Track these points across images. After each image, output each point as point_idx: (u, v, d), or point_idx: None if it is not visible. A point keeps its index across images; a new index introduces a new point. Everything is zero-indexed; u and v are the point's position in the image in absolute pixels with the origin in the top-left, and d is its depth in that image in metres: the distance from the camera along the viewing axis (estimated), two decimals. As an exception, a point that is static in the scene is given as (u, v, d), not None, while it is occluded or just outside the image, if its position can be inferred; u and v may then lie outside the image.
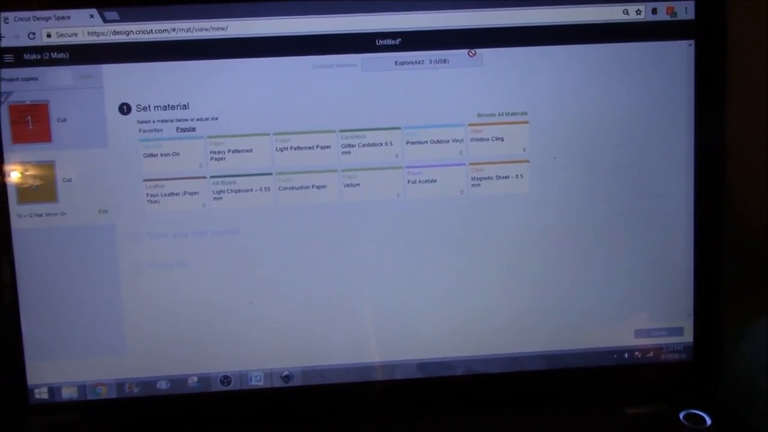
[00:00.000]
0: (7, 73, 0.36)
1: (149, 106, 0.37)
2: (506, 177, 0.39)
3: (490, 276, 0.39)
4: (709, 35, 0.39)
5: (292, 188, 0.38)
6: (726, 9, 0.39)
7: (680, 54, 0.39)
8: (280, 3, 0.37)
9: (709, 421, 0.38)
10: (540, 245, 0.39)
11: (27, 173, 0.37)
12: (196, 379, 0.39)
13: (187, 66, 0.37)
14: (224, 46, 0.37)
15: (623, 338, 0.40)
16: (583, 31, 0.38)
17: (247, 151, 0.38)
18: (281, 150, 0.38)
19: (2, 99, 0.37)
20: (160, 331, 0.38)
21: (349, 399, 0.40)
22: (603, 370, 0.40)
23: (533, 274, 0.39)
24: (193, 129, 0.37)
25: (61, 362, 0.38)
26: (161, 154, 0.37)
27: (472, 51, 0.38)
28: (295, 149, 0.38)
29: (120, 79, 0.37)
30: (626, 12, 0.38)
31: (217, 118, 0.37)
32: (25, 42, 0.37)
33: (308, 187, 0.38)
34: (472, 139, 0.38)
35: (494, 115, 0.38)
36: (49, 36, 0.37)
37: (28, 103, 0.37)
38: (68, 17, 0.37)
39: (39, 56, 0.37)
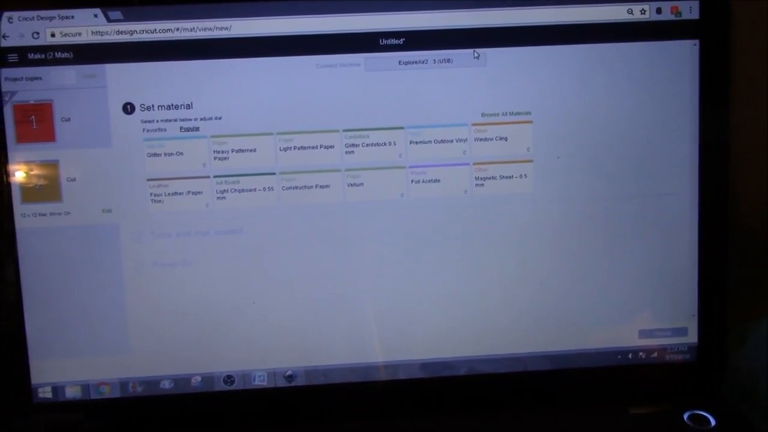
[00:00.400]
0: (12, 72, 0.37)
1: (153, 106, 0.37)
2: (510, 177, 0.39)
3: (493, 276, 0.39)
4: (713, 35, 0.38)
5: (296, 188, 0.38)
6: (730, 9, 0.39)
7: (685, 54, 0.38)
8: (283, 3, 0.37)
9: (713, 422, 0.38)
10: (543, 245, 0.39)
11: (31, 173, 0.37)
12: (199, 378, 0.39)
13: (191, 65, 0.37)
14: (228, 46, 0.37)
15: (627, 338, 0.40)
16: (587, 30, 0.38)
17: (251, 150, 0.38)
18: (284, 149, 0.38)
19: (6, 99, 0.37)
20: (164, 331, 0.38)
21: (352, 399, 0.40)
22: (607, 370, 0.40)
23: (537, 274, 0.39)
24: (197, 128, 0.37)
25: (65, 361, 0.38)
26: (165, 154, 0.37)
27: (476, 52, 0.38)
28: (298, 149, 0.38)
29: (124, 79, 0.37)
30: (630, 12, 0.38)
31: (220, 118, 0.37)
32: (29, 41, 0.37)
33: (311, 186, 0.38)
34: (476, 139, 0.38)
35: (498, 114, 0.38)
36: (53, 35, 0.37)
37: (32, 102, 0.37)
38: (72, 17, 0.37)
39: (43, 56, 0.37)
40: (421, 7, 0.37)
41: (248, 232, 0.38)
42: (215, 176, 0.38)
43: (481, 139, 0.38)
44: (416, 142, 0.38)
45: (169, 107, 0.37)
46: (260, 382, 0.39)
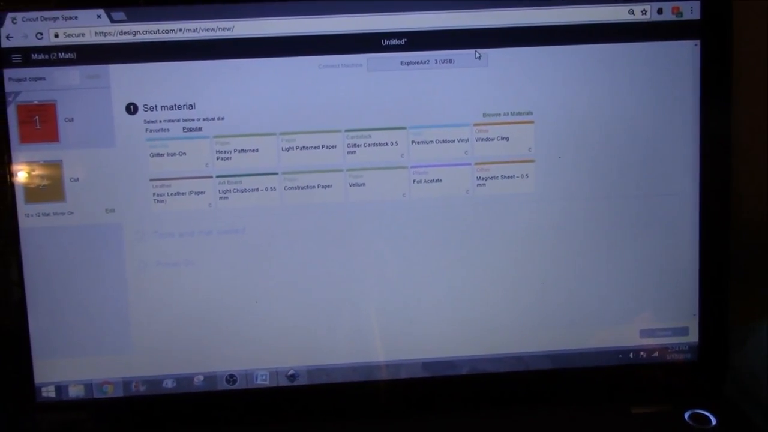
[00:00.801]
0: (15, 73, 0.37)
1: (156, 106, 0.37)
2: (511, 177, 0.39)
3: (495, 276, 0.39)
4: (714, 35, 0.38)
5: (298, 188, 0.38)
6: (732, 9, 0.39)
7: (686, 54, 0.39)
8: (286, 3, 0.37)
9: (714, 421, 0.38)
10: (545, 245, 0.39)
11: (34, 173, 0.37)
12: (201, 377, 0.39)
13: (194, 66, 0.37)
14: (230, 46, 0.37)
15: (628, 338, 0.40)
16: (588, 31, 0.38)
17: (253, 150, 0.38)
18: (287, 150, 0.38)
19: (10, 99, 0.37)
20: (167, 330, 0.38)
21: (354, 398, 0.40)
22: (608, 369, 0.40)
23: (538, 273, 0.40)
24: (200, 129, 0.38)
25: (68, 361, 0.38)
26: (168, 154, 0.38)
27: (478, 52, 0.38)
28: (300, 149, 0.38)
29: (127, 79, 0.37)
30: (632, 12, 0.38)
31: (223, 118, 0.38)
32: (33, 42, 0.37)
33: (314, 186, 0.38)
34: (478, 139, 0.38)
35: (500, 114, 0.38)
36: (56, 36, 0.37)
37: (35, 102, 0.37)
38: (76, 17, 0.37)
39: (47, 56, 0.37)
40: (423, 7, 0.38)
41: (251, 231, 0.38)
42: (218, 176, 0.38)
43: (482, 139, 0.39)
44: (418, 142, 0.38)
45: (172, 107, 0.37)
46: (262, 381, 0.39)
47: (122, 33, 0.37)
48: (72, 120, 0.37)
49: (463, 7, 0.38)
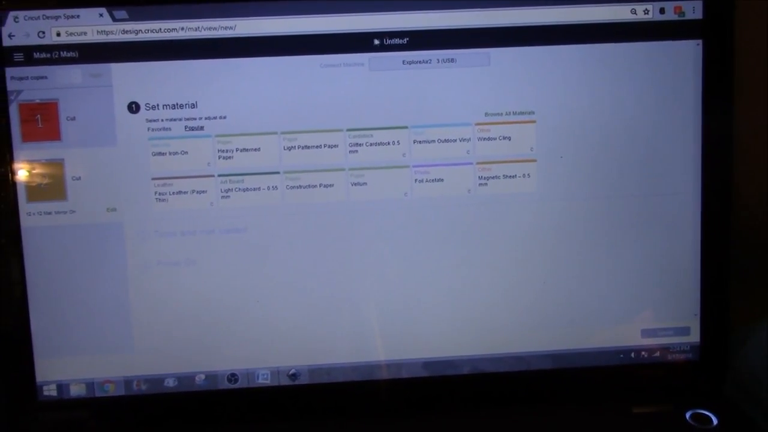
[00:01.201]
0: (17, 71, 0.37)
1: (158, 105, 0.37)
2: (513, 176, 0.39)
3: (496, 275, 0.39)
4: (717, 35, 0.38)
5: (300, 187, 0.38)
6: (734, 8, 0.39)
7: (688, 54, 0.38)
8: (287, 2, 0.37)
9: (715, 421, 0.38)
10: (547, 244, 0.39)
11: (36, 171, 0.37)
12: (203, 376, 0.39)
13: (196, 65, 0.37)
14: (232, 46, 0.37)
15: (630, 338, 0.40)
16: (590, 30, 0.38)
17: (255, 149, 0.38)
18: (289, 149, 0.38)
19: (12, 98, 0.37)
20: (168, 329, 0.38)
21: (355, 397, 0.40)
22: (609, 369, 0.40)
23: (540, 273, 0.40)
24: (202, 128, 0.38)
25: (70, 359, 0.38)
26: (169, 153, 0.38)
27: (480, 52, 0.38)
28: (302, 148, 0.38)
29: (129, 78, 0.37)
30: (634, 12, 0.38)
31: (225, 117, 0.38)
32: (35, 41, 0.37)
33: (315, 185, 0.38)
34: (480, 139, 0.38)
35: (501, 114, 0.38)
36: (58, 35, 0.37)
37: (37, 101, 0.37)
38: (78, 16, 0.37)
39: (49, 55, 0.37)
40: (425, 6, 0.38)
41: (252, 231, 0.38)
42: (220, 175, 0.38)
43: (484, 139, 0.39)
44: (420, 142, 0.38)
45: (173, 106, 0.37)
46: (264, 380, 0.39)
47: (124, 32, 0.37)
48: (74, 119, 0.37)
49: (465, 6, 0.38)
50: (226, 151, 0.38)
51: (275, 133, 0.38)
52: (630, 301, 0.40)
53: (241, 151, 0.38)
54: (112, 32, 0.37)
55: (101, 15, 0.37)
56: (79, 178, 0.37)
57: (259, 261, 0.38)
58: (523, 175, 0.39)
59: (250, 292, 0.39)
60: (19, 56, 0.37)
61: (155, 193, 0.38)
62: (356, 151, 0.38)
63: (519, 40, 0.38)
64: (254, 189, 0.38)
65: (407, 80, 0.38)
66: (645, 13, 0.38)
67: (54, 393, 0.39)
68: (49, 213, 0.37)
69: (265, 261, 0.38)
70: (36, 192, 0.37)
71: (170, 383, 0.39)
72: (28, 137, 0.37)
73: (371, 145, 0.38)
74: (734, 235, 0.40)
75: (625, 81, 0.38)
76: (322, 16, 0.37)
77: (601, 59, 0.38)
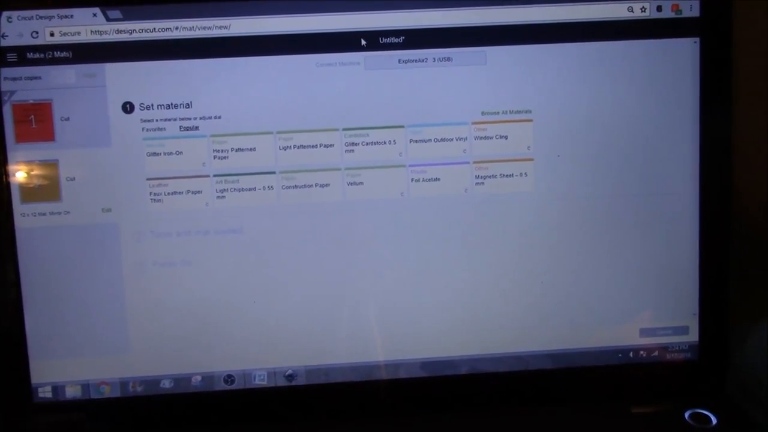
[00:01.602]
0: (11, 72, 0.36)
1: (152, 105, 0.37)
2: (510, 175, 0.39)
3: (494, 275, 0.39)
4: (714, 32, 0.38)
5: (296, 187, 0.38)
6: (731, 6, 0.39)
7: (685, 51, 0.38)
8: (282, 2, 0.37)
9: (714, 421, 0.38)
10: (544, 244, 0.39)
11: (30, 172, 0.37)
12: (199, 378, 0.39)
13: (190, 65, 0.37)
14: (227, 45, 0.37)
15: (628, 337, 0.40)
16: (587, 28, 0.38)
17: (251, 149, 0.38)
18: (284, 148, 0.38)
19: (6, 98, 0.37)
20: (164, 330, 0.38)
21: (352, 398, 0.40)
22: (608, 369, 0.40)
23: (537, 273, 0.39)
24: (196, 128, 0.37)
25: (65, 361, 0.38)
26: (164, 153, 0.37)
27: (476, 50, 0.38)
28: (298, 148, 0.38)
29: (123, 78, 0.37)
30: (631, 9, 0.38)
31: (220, 117, 0.37)
32: (28, 41, 0.37)
33: (311, 185, 0.38)
34: (476, 138, 0.38)
35: (498, 113, 0.38)
36: (52, 35, 0.37)
37: (31, 102, 0.37)
38: (71, 16, 0.37)
39: (42, 55, 0.37)
40: (421, 5, 0.37)
41: (248, 231, 0.38)
42: (215, 175, 0.38)
43: (481, 138, 0.38)
44: (416, 141, 0.38)
45: (168, 106, 0.37)
46: (260, 381, 0.39)
47: (118, 32, 0.37)
48: (68, 119, 0.37)
49: (462, 4, 0.37)
50: (222, 151, 0.38)
51: (271, 132, 0.38)
52: (628, 301, 0.40)
53: (237, 151, 0.38)
54: (105, 32, 0.37)
55: (95, 15, 0.37)
56: (73, 179, 0.37)
57: (255, 261, 0.38)
58: (520, 175, 0.39)
59: (247, 293, 0.38)
60: (12, 56, 0.37)
61: (150, 193, 0.37)
62: (352, 150, 0.38)
63: (515, 38, 0.38)
64: (250, 189, 0.38)
65: (403, 79, 0.38)
66: (642, 11, 0.38)
67: (49, 395, 0.38)
68: (44, 214, 0.37)
69: (261, 261, 0.38)
70: (30, 193, 0.37)
71: (166, 384, 0.39)
72: (22, 138, 0.37)
73: (367, 144, 0.38)
74: (733, 234, 0.40)
75: (622, 79, 0.38)
76: (317, 15, 0.37)
77: (598, 57, 0.38)
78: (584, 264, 0.39)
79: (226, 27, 0.37)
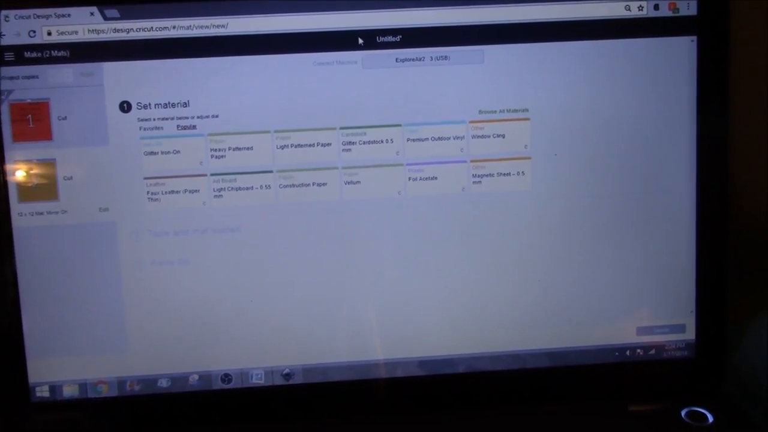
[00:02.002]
0: (8, 71, 0.36)
1: (150, 104, 0.37)
2: (508, 174, 0.39)
3: (491, 273, 0.39)
4: (711, 31, 0.38)
5: (293, 186, 0.38)
6: (729, 4, 0.38)
7: (683, 50, 0.38)
8: (280, 0, 0.37)
9: (711, 419, 0.38)
10: (542, 243, 0.39)
11: (27, 171, 0.37)
12: (196, 377, 0.39)
13: (188, 64, 0.37)
14: (225, 44, 0.37)
15: (625, 335, 0.40)
16: (584, 27, 0.38)
17: (248, 148, 0.38)
18: (282, 147, 0.38)
19: (3, 97, 0.37)
20: (161, 329, 0.38)
21: (350, 397, 0.40)
22: (605, 367, 0.40)
23: (535, 271, 0.39)
24: (194, 127, 0.37)
25: (62, 360, 0.38)
26: (162, 152, 0.37)
27: (474, 49, 0.38)
28: (295, 147, 0.38)
29: (120, 77, 0.37)
30: (628, 8, 0.38)
31: (217, 116, 0.37)
32: (25, 40, 0.36)
33: (309, 184, 0.38)
34: (474, 136, 0.38)
35: (495, 111, 0.38)
36: (49, 34, 0.37)
37: (28, 101, 0.37)
38: (69, 15, 0.36)
39: (39, 54, 0.37)
40: (418, 4, 0.37)
41: (245, 230, 0.38)
42: (212, 174, 0.38)
43: (478, 137, 0.38)
44: (413, 140, 0.38)
45: (165, 105, 0.37)
46: (258, 380, 0.39)
47: (116, 31, 0.37)
48: (65, 118, 0.37)
49: (459, 3, 0.37)
50: (219, 150, 0.37)
51: (268, 131, 0.38)
52: (625, 299, 0.40)
53: (234, 150, 0.38)
54: (103, 31, 0.37)
55: (92, 14, 0.37)
56: (70, 178, 0.37)
57: (252, 260, 0.38)
58: (518, 173, 0.39)
59: (244, 292, 0.38)
60: (9, 55, 0.36)
61: (148, 192, 0.37)
62: (350, 149, 0.38)
63: (513, 37, 0.38)
64: (247, 188, 0.38)
65: (400, 78, 0.38)
66: (639, 10, 0.38)
67: (47, 394, 0.38)
68: (41, 213, 0.37)
69: (258, 260, 0.38)
70: (27, 192, 0.37)
71: (164, 384, 0.39)
72: (19, 137, 0.37)
73: (365, 143, 0.38)
74: (730, 232, 0.40)
75: (620, 78, 0.38)
76: (315, 14, 0.37)
77: (596, 56, 0.38)
78: (582, 262, 0.39)
79: (223, 26, 0.37)
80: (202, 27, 0.37)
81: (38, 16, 0.36)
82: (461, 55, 0.38)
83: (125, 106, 0.37)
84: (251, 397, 0.39)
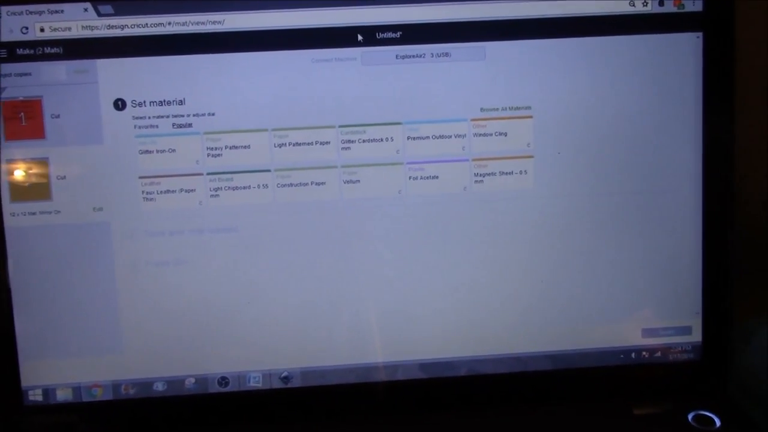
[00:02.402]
0: (0, 68, 0.36)
1: (145, 102, 0.37)
2: (510, 173, 0.38)
3: (493, 274, 0.39)
4: (717, 27, 0.38)
5: (291, 185, 0.37)
6: (734, 0, 0.38)
7: (688, 46, 0.38)
8: (277, -4, 0.37)
9: (718, 423, 0.38)
10: (544, 243, 0.39)
11: (20, 170, 0.37)
12: (193, 380, 0.38)
13: (184, 60, 0.37)
14: (221, 40, 0.37)
15: (630, 337, 0.40)
16: (588, 23, 0.38)
17: (245, 147, 0.37)
18: (279, 146, 0.37)
19: (-5, 95, 0.36)
20: (157, 331, 0.38)
21: (349, 400, 0.39)
22: (609, 370, 0.40)
23: (538, 272, 0.39)
24: (190, 125, 0.37)
25: (56, 363, 0.38)
26: (157, 151, 0.37)
27: (475, 46, 0.37)
28: (293, 145, 0.37)
29: (115, 74, 0.36)
30: (632, 4, 0.38)
31: (214, 114, 0.37)
32: (18, 36, 0.36)
33: (307, 183, 0.38)
34: (475, 135, 0.38)
35: (497, 109, 0.38)
36: (42, 30, 0.36)
37: (21, 98, 0.36)
38: (62, 11, 0.36)
39: (32, 51, 0.36)
40: (419, -1, 0.37)
41: (243, 230, 0.38)
42: (209, 173, 0.37)
43: (480, 135, 0.38)
44: (414, 138, 0.38)
45: (161, 103, 0.37)
46: (255, 383, 0.39)
47: (110, 27, 0.36)
48: (59, 116, 0.36)
49: (460, -1, 0.37)
50: (215, 148, 0.37)
51: (265, 130, 0.37)
52: (630, 300, 0.39)
53: (231, 148, 0.37)
54: (97, 27, 0.36)
55: (86, 10, 0.36)
56: (64, 177, 0.37)
57: (249, 261, 0.38)
58: (520, 172, 0.38)
59: (241, 293, 0.38)
60: (1, 52, 0.36)
61: (143, 192, 0.37)
62: (349, 147, 0.37)
63: (515, 33, 0.37)
64: (244, 187, 0.37)
65: (401, 75, 0.37)
66: (644, 5, 0.38)
67: (40, 398, 0.38)
68: (34, 213, 0.37)
69: (256, 261, 0.38)
70: (20, 192, 0.37)
71: (159, 387, 0.38)
72: (11, 135, 0.36)
73: (364, 141, 0.38)
74: (736, 232, 0.39)
75: (624, 75, 0.38)
76: (313, 10, 0.37)
77: (600, 53, 0.38)
78: (585, 263, 0.39)
79: (220, 22, 0.36)
80: (198, 23, 0.36)
81: (31, 12, 0.36)
82: (462, 51, 0.37)
83: (120, 104, 0.37)
84: (249, 401, 0.39)
